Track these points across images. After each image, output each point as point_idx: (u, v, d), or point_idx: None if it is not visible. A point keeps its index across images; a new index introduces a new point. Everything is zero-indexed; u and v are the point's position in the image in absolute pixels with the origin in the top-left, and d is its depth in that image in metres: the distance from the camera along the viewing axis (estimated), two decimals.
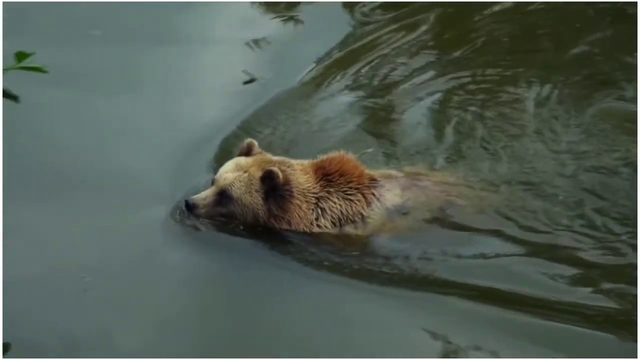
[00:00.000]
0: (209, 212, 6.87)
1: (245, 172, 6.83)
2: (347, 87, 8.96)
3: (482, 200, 7.12)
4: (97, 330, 6.06)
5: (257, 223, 6.89)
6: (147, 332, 6.09)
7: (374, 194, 6.99)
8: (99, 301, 6.30)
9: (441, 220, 6.99)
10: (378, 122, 8.39)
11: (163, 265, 6.69)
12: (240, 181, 6.81)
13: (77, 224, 6.97)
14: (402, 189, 7.04)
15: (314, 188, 6.92)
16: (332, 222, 6.95)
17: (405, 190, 7.05)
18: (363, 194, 6.97)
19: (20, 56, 4.68)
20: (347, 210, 6.93)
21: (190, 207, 6.85)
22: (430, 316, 6.25)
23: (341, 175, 6.97)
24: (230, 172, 6.86)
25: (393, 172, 7.26)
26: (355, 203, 6.94)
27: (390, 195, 7.01)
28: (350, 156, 7.07)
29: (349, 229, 6.95)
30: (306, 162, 7.07)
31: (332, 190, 6.95)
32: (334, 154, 7.07)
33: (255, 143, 7.06)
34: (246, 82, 8.97)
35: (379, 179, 7.08)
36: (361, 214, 6.95)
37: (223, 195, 6.84)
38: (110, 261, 6.63)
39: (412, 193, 7.04)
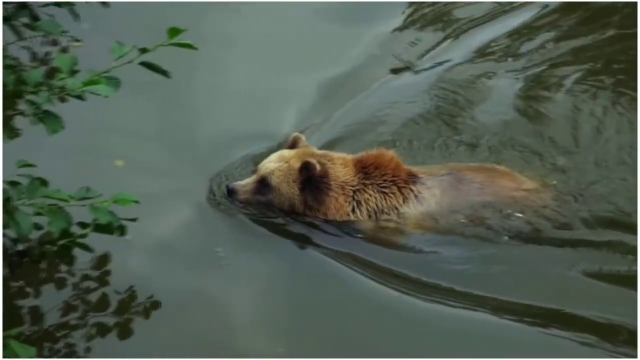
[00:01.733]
0: (247, 198, 7.07)
1: (286, 162, 7.02)
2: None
3: (533, 209, 7.08)
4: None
5: (293, 212, 7.04)
6: None
7: (411, 190, 7.05)
8: None
9: (476, 224, 7.01)
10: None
11: None
12: (280, 171, 7.00)
13: None
14: (442, 189, 7.06)
15: (351, 180, 7.04)
16: (367, 214, 7.04)
17: (445, 192, 7.06)
18: (399, 188, 7.04)
19: (172, 32, 4.77)
20: (382, 204, 7.02)
21: (230, 192, 7.07)
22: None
23: (376, 168, 7.06)
24: (272, 162, 7.06)
25: (435, 168, 7.26)
26: (390, 196, 7.02)
27: (429, 194, 7.05)
28: (389, 151, 7.15)
29: (383, 223, 7.02)
30: (348, 156, 7.18)
31: (367, 182, 7.05)
32: (373, 150, 7.19)
33: (302, 137, 7.24)
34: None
35: (420, 175, 7.12)
36: (396, 208, 7.02)
37: (263, 184, 7.03)
38: None
39: (451, 194, 7.06)
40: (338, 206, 7.00)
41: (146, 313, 6.17)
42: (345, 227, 7.04)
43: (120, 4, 7.24)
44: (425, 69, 9.11)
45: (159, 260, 6.71)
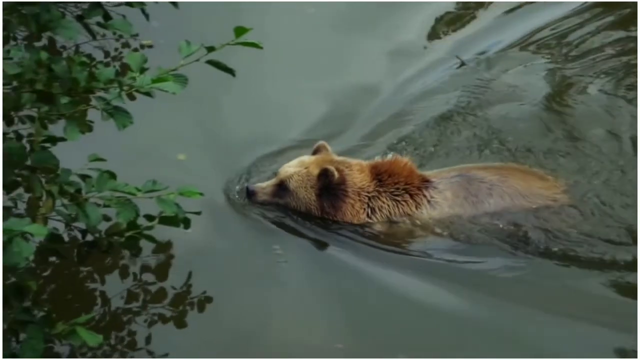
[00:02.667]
0: (266, 200, 7.24)
1: (306, 168, 7.17)
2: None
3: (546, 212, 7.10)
4: None
5: (310, 215, 7.19)
6: None
7: (424, 195, 7.13)
8: None
9: (488, 226, 7.06)
10: None
11: None
12: (299, 175, 7.15)
13: None
14: (454, 192, 7.13)
15: (367, 187, 7.15)
16: (382, 220, 7.16)
17: (457, 193, 7.12)
18: (411, 195, 7.13)
19: (238, 31, 4.90)
20: (394, 211, 7.13)
21: (250, 194, 7.22)
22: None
23: (390, 176, 7.17)
24: (291, 166, 7.23)
25: (446, 171, 7.33)
26: (402, 204, 7.13)
27: (441, 197, 7.12)
28: (403, 158, 7.25)
29: (396, 228, 7.13)
30: (365, 162, 7.29)
31: (381, 190, 7.16)
32: (389, 157, 7.31)
33: (327, 146, 7.35)
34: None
35: (433, 179, 7.19)
36: (408, 214, 7.12)
37: (281, 187, 7.19)
38: None
39: (463, 196, 7.12)
40: (354, 212, 7.13)
41: (200, 307, 6.32)
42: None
43: (190, 3, 7.40)
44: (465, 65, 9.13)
45: (215, 255, 6.88)
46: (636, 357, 6.03)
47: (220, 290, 6.46)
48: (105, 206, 5.02)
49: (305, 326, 6.36)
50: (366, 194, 7.14)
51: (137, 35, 6.76)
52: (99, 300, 6.33)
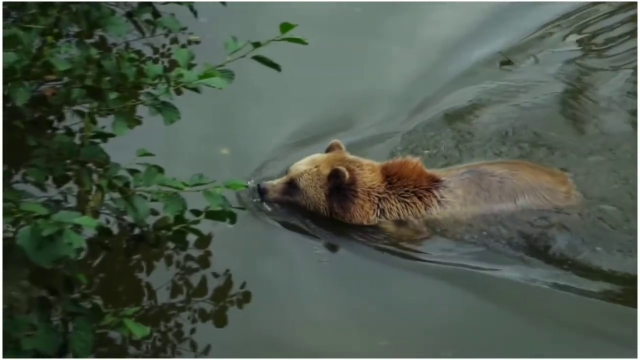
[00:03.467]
0: (277, 198, 7.22)
1: (316, 167, 7.15)
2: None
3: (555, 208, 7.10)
4: None
5: (319, 213, 7.18)
6: None
7: (434, 195, 7.10)
8: None
9: (500, 221, 7.05)
10: None
11: None
12: (309, 174, 7.13)
13: None
14: (465, 189, 7.10)
15: (378, 187, 7.13)
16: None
17: (469, 190, 7.10)
18: (420, 197, 7.11)
19: (284, 27, 4.96)
20: (403, 213, 7.12)
21: (261, 192, 7.22)
22: None
23: (399, 179, 7.15)
24: (302, 164, 7.20)
25: (455, 169, 7.33)
26: (411, 206, 7.12)
27: (452, 197, 7.09)
28: (413, 159, 7.22)
29: (405, 228, 7.14)
30: (376, 162, 7.27)
31: (391, 192, 7.14)
32: (399, 158, 7.30)
33: (340, 144, 7.34)
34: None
35: (442, 178, 7.16)
36: (417, 216, 7.10)
37: (291, 185, 7.18)
38: None
39: (475, 192, 7.09)
40: (363, 214, 7.11)
41: (239, 303, 6.40)
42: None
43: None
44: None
45: (256, 251, 6.95)
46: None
47: (260, 287, 6.53)
48: (152, 200, 5.09)
49: (347, 325, 6.40)
50: (376, 194, 7.11)
51: (185, 28, 6.83)
52: (145, 292, 6.44)
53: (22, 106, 4.83)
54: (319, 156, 7.27)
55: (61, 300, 4.96)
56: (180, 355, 6.03)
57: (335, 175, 7.05)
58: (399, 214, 7.11)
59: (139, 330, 4.99)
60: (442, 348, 6.13)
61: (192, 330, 6.19)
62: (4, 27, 4.75)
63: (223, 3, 6.12)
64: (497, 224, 7.01)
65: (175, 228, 5.32)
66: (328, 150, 7.33)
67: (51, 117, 5.23)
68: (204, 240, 6.64)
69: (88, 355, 4.91)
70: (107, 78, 4.89)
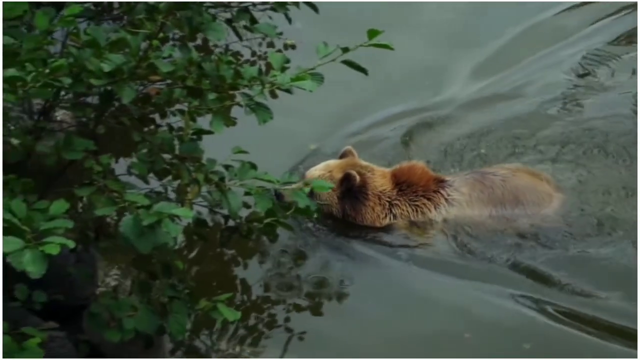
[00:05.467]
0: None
1: (330, 172, 7.40)
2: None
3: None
4: None
5: (332, 216, 7.44)
6: None
7: (441, 195, 7.37)
8: None
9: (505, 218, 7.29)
10: None
11: None
12: (322, 179, 7.25)
13: None
14: (470, 187, 7.37)
15: (389, 192, 7.40)
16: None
17: (474, 187, 7.37)
18: (429, 198, 7.37)
19: (372, 33, 5.20)
20: (415, 217, 7.38)
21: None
22: None
23: (409, 186, 7.42)
24: (317, 170, 7.45)
25: (458, 173, 7.64)
26: (421, 207, 7.37)
27: (458, 194, 7.35)
28: (418, 163, 7.50)
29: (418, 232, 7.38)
30: (387, 169, 7.53)
31: (401, 199, 7.40)
32: (405, 163, 7.55)
33: (353, 151, 7.56)
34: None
35: (447, 178, 7.44)
36: (429, 219, 7.36)
37: None
38: None
39: (479, 189, 7.35)
40: (374, 216, 7.37)
41: (339, 298, 6.70)
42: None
43: (330, 4, 7.74)
44: None
45: (340, 249, 7.27)
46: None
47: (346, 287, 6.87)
48: (245, 194, 5.41)
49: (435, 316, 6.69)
50: (387, 199, 7.38)
51: (281, 34, 7.14)
52: (238, 282, 6.80)
53: (129, 104, 5.19)
54: (332, 162, 7.56)
55: (160, 285, 5.33)
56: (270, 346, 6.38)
57: (346, 178, 7.33)
58: (409, 215, 7.40)
59: (230, 315, 5.34)
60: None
61: (287, 318, 6.55)
62: (115, 31, 5.11)
63: (314, 9, 6.41)
64: (502, 221, 7.30)
65: (266, 221, 5.63)
66: (342, 156, 7.60)
67: (154, 115, 5.56)
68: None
69: (183, 336, 5.28)
70: (207, 79, 5.22)
